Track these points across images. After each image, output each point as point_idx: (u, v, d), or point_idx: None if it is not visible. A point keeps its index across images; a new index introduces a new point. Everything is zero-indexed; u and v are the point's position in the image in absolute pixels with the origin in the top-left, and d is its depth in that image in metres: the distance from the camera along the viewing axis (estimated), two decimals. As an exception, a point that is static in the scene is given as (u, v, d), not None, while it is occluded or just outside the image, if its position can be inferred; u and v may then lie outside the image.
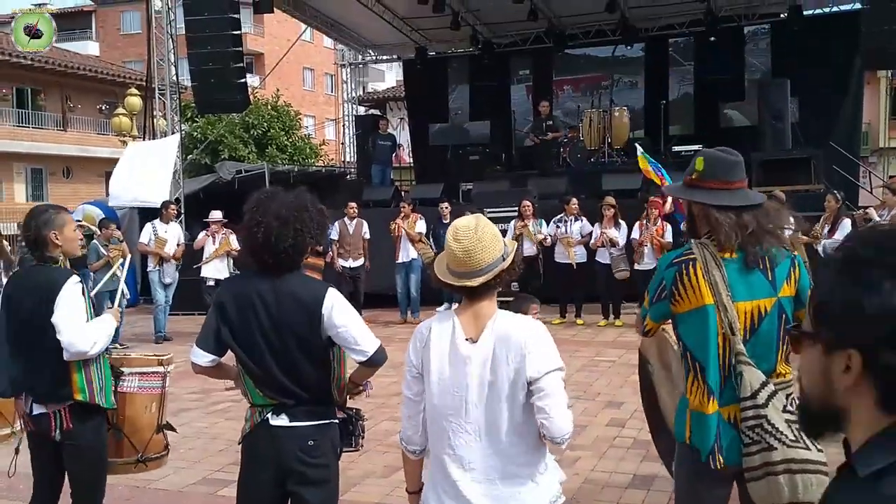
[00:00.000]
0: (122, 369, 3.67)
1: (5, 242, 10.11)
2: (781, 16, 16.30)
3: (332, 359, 2.90)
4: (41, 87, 31.84)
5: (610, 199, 10.83)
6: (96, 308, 3.60)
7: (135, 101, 18.47)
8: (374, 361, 2.91)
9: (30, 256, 3.68)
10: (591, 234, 10.78)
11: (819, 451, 2.47)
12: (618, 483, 4.86)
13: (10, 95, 30.61)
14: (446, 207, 11.83)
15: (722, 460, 2.56)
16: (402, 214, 11.62)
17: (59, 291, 3.31)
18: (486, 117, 17.03)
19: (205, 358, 2.89)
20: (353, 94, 22.09)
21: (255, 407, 2.91)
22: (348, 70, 21.74)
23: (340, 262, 11.59)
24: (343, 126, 22.26)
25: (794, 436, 2.46)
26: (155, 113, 16.26)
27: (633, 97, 17.49)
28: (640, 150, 10.47)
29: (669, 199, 9.83)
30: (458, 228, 2.42)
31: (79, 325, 3.33)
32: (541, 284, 10.34)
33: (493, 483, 2.35)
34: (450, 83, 19.45)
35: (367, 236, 11.73)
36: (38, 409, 3.38)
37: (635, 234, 10.37)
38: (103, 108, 31.98)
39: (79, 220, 5.29)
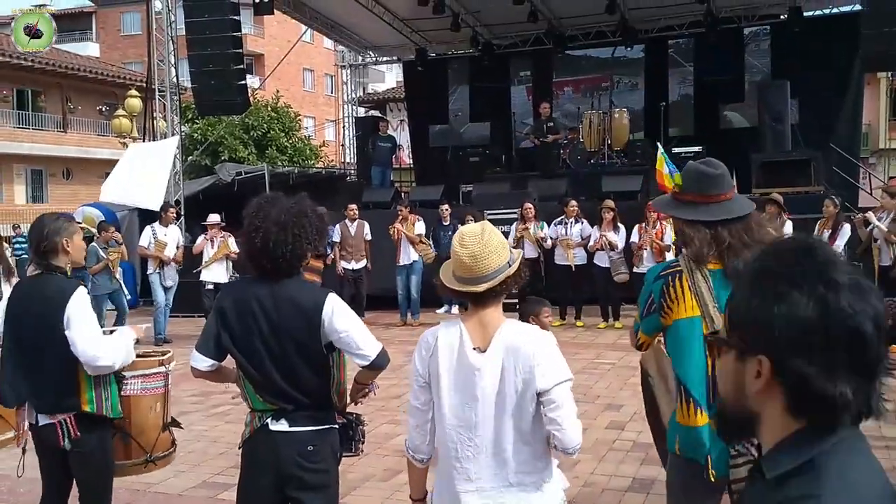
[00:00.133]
0: (125, 373, 3.68)
1: (5, 245, 10.11)
2: (781, 17, 16.33)
3: (331, 364, 2.90)
4: (41, 89, 31.86)
5: (609, 203, 10.83)
6: (96, 310, 3.60)
7: (135, 102, 18.49)
8: (377, 365, 2.91)
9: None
10: (590, 236, 10.78)
11: None
12: (617, 487, 4.86)
13: (10, 97, 30.63)
14: (446, 209, 11.85)
15: (714, 472, 2.57)
16: (401, 217, 11.61)
17: (67, 302, 3.28)
18: (487, 119, 17.05)
19: (204, 363, 2.90)
20: (353, 95, 22.11)
21: (255, 412, 2.92)
22: (348, 71, 21.76)
23: (343, 265, 11.59)
24: (343, 127, 22.27)
25: None
26: (155, 114, 16.29)
27: (632, 98, 17.51)
28: (660, 150, 10.40)
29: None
30: (465, 234, 2.43)
31: (97, 341, 3.31)
32: (543, 287, 10.34)
33: (500, 492, 2.36)
34: (450, 84, 19.46)
35: (369, 237, 11.74)
36: (43, 420, 3.36)
37: (634, 238, 10.37)
38: (103, 109, 31.99)
39: (79, 222, 5.29)
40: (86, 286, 3.55)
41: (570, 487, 4.41)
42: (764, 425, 1.16)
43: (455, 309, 11.93)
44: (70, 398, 3.32)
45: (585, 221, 10.93)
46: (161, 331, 10.75)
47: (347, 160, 21.65)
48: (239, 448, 2.99)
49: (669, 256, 9.17)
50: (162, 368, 3.83)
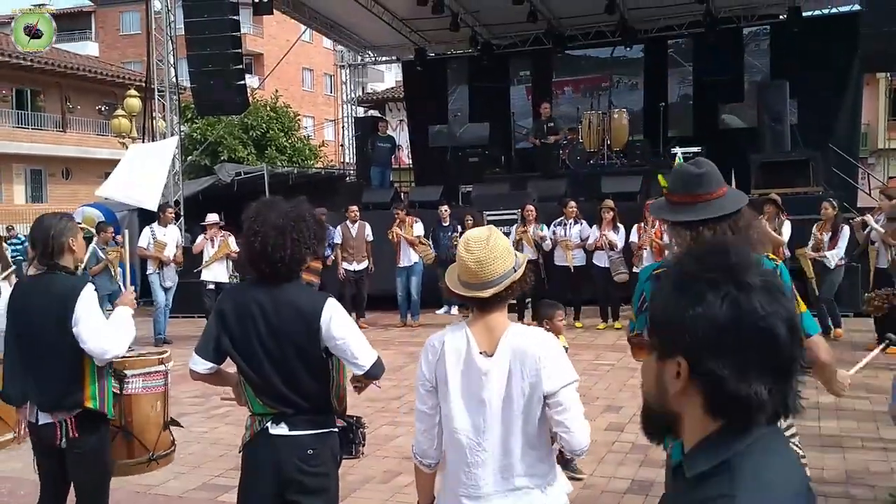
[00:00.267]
0: (125, 372, 3.69)
1: (5, 245, 10.11)
2: (780, 17, 16.33)
3: (331, 368, 2.91)
4: (41, 88, 31.84)
5: (609, 203, 10.84)
6: None
7: (134, 102, 18.47)
8: (371, 375, 2.93)
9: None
10: (589, 237, 10.78)
11: (802, 456, 2.48)
12: (616, 488, 4.86)
13: (9, 96, 30.61)
14: (446, 210, 11.83)
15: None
16: (398, 221, 11.52)
17: (76, 300, 3.29)
18: (486, 119, 17.03)
19: (203, 365, 2.91)
20: (353, 95, 22.11)
21: (255, 416, 2.92)
22: (347, 71, 21.75)
23: (344, 266, 11.57)
24: (342, 127, 22.27)
25: None
26: (154, 114, 16.27)
27: (632, 99, 17.50)
28: (680, 157, 10.31)
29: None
30: (470, 240, 2.43)
31: (105, 333, 3.34)
32: (546, 289, 10.32)
33: (506, 496, 2.37)
34: (449, 84, 19.44)
35: (371, 238, 11.72)
36: (43, 419, 3.36)
37: (633, 238, 10.37)
38: (103, 108, 31.98)
39: (78, 222, 5.30)
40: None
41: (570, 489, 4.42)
42: (685, 425, 1.18)
43: (455, 310, 11.93)
44: (74, 395, 3.32)
45: (584, 222, 10.93)
46: (161, 331, 10.76)
47: (347, 160, 21.66)
48: (239, 452, 2.99)
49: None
50: (162, 367, 3.89)
